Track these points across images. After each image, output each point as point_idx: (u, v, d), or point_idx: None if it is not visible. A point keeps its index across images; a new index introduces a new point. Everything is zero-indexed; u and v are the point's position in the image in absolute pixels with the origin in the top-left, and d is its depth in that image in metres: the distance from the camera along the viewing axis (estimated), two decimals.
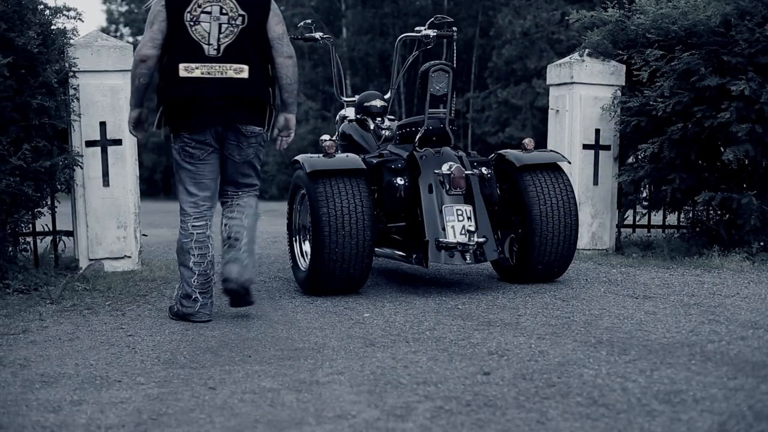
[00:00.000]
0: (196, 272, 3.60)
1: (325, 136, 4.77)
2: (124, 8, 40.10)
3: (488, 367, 2.66)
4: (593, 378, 2.48)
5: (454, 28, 4.87)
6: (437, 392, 2.40)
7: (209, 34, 3.48)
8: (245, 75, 3.51)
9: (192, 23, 3.48)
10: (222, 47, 3.49)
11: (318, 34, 5.05)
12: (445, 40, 4.94)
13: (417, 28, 4.94)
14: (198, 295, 3.61)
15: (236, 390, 2.49)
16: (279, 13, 3.62)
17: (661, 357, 2.71)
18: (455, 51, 4.72)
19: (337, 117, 5.31)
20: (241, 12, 3.51)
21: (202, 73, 3.48)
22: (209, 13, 3.48)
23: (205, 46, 3.49)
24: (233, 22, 3.50)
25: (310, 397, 2.39)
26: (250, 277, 3.62)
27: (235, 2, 3.52)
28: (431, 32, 4.84)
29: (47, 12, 4.66)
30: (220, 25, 3.49)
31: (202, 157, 3.58)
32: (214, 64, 3.48)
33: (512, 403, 2.27)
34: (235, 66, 3.50)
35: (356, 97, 5.14)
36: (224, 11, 3.50)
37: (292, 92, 3.66)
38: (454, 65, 4.36)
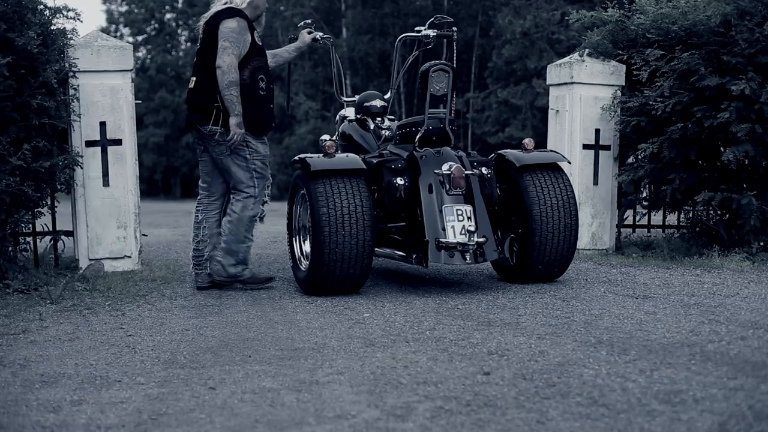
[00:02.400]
0: (192, 247, 4.52)
1: (325, 136, 4.77)
2: (124, 8, 40.11)
3: (488, 367, 2.66)
4: (593, 378, 2.48)
5: (454, 28, 4.87)
6: (437, 392, 2.40)
7: (197, 53, 4.33)
8: (192, 85, 4.32)
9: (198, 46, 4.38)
10: (194, 64, 4.37)
11: (318, 34, 5.05)
12: (445, 40, 4.93)
13: (417, 28, 4.94)
14: (191, 267, 4.56)
15: (236, 390, 2.49)
16: (224, 31, 4.13)
17: (661, 357, 2.71)
18: (455, 51, 4.72)
19: (337, 117, 5.31)
20: (201, 35, 4.29)
21: (190, 86, 4.37)
22: (200, 38, 4.31)
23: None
24: (198, 43, 4.34)
25: (310, 397, 2.39)
26: (233, 272, 4.34)
27: (203, 27, 4.29)
28: (431, 32, 4.84)
29: (47, 12, 4.65)
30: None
31: (199, 154, 4.47)
32: (191, 78, 4.36)
33: (512, 403, 2.28)
34: (191, 79, 4.35)
35: (356, 97, 5.13)
36: (200, 35, 4.33)
37: (224, 97, 4.14)
38: (454, 65, 4.36)
